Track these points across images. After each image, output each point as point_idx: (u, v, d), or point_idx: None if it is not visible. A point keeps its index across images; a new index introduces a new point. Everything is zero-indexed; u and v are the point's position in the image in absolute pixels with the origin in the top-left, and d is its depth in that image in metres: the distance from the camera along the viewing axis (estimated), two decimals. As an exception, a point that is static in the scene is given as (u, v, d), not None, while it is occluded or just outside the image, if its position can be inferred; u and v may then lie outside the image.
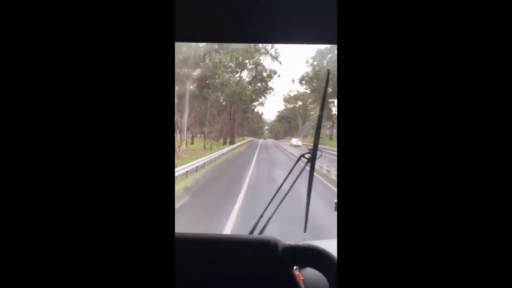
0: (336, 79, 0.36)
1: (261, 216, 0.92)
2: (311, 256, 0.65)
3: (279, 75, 19.69)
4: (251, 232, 0.87)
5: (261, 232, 0.86)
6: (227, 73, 15.15)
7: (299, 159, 0.91)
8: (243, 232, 1.73)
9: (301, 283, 0.62)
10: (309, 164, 0.87)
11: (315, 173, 0.89)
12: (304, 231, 0.93)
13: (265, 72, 18.38)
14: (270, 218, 0.90)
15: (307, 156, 0.87)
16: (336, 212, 0.38)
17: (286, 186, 0.91)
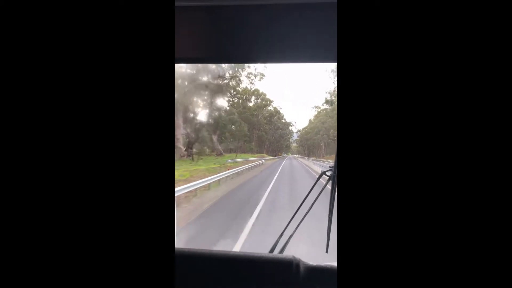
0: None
1: (281, 235, 0.89)
2: (334, 278, 0.61)
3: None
4: (271, 251, 0.84)
5: (281, 251, 0.83)
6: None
7: (320, 176, 0.88)
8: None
9: None
10: (330, 182, 0.83)
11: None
12: (326, 251, 0.88)
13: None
14: (290, 236, 0.87)
15: (329, 174, 0.84)
16: None
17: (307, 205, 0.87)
